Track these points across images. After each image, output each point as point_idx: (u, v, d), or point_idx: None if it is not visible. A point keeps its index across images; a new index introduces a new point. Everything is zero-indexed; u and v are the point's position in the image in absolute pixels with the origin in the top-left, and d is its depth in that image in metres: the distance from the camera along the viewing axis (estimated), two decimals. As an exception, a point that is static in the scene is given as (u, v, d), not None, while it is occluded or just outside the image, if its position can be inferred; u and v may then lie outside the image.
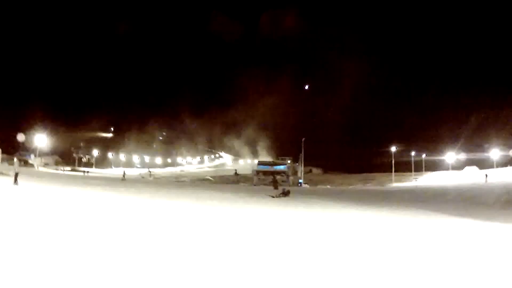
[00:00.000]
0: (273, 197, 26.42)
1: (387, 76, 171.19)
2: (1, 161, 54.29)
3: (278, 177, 73.12)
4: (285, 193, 27.82)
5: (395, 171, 78.52)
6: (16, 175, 23.05)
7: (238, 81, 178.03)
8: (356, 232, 12.04)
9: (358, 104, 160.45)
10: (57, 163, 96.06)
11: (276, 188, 28.03)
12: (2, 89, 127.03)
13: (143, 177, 71.84)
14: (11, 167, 37.97)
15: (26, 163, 71.67)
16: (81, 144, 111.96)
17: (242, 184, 64.27)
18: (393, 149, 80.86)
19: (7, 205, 14.33)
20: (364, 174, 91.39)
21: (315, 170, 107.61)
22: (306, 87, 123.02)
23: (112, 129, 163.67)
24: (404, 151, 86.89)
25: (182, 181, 66.28)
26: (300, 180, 73.01)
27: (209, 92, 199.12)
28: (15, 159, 30.18)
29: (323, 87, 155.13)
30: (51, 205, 15.06)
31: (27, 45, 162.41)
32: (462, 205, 24.39)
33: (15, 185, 21.88)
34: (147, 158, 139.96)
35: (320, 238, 10.58)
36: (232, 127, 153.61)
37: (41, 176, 36.69)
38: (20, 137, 79.00)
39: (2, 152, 59.16)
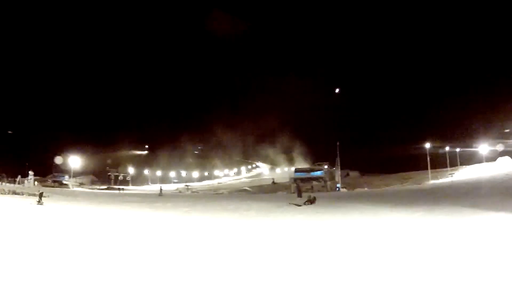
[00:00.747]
0: (298, 205, 25.47)
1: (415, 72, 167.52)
2: (33, 183, 55.34)
3: (315, 183, 72.61)
4: (311, 201, 26.53)
5: (431, 168, 77.40)
6: (41, 194, 23.09)
7: (268, 88, 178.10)
8: (394, 239, 12.01)
9: (389, 102, 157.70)
10: (92, 183, 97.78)
11: (300, 196, 26.97)
12: (34, 113, 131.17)
13: (180, 192, 72.25)
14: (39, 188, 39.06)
15: (60, 184, 73.57)
16: (108, 161, 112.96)
17: (280, 192, 63.58)
18: (428, 145, 79.69)
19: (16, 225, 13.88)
20: (401, 174, 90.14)
21: (352, 173, 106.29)
22: (337, 90, 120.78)
23: (146, 146, 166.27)
24: (439, 147, 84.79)
25: (220, 193, 66.40)
26: (337, 185, 72.07)
27: (240, 102, 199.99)
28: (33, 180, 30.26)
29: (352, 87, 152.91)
30: (70, 223, 14.86)
31: (58, 69, 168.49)
32: (497, 199, 23.51)
33: (39, 205, 21.36)
34: (183, 173, 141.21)
35: (361, 248, 10.65)
36: (266, 136, 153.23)
37: (74, 195, 37.15)
38: (58, 159, 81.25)
39: (35, 174, 60.49)
